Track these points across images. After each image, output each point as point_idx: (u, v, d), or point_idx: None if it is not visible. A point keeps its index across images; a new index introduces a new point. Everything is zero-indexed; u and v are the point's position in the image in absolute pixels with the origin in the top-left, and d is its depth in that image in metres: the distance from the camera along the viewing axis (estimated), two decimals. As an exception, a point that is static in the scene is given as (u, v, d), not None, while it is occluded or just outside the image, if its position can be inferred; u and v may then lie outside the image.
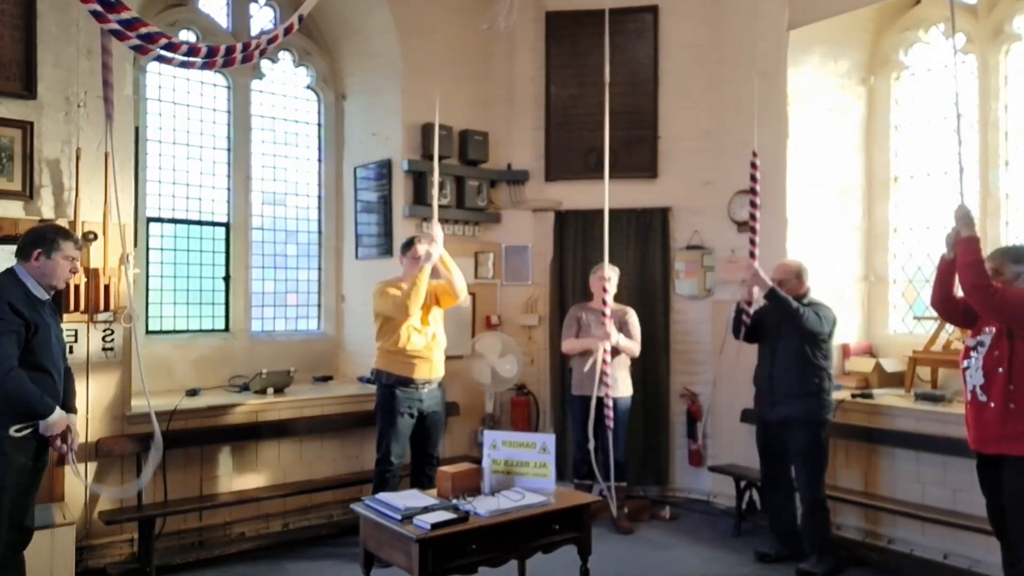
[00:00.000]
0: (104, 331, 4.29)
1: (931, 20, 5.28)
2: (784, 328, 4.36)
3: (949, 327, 4.56)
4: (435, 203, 4.60)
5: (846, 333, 5.35)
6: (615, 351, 4.98)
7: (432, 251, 4.37)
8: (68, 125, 4.21)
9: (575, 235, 6.01)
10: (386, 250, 5.69)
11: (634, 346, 5.15)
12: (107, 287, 4.22)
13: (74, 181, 4.18)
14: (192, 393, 4.96)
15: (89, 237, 4.15)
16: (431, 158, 4.89)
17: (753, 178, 4.63)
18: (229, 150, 5.71)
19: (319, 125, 6.19)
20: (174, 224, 5.47)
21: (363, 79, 6.04)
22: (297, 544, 4.82)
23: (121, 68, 4.23)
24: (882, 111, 5.56)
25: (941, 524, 4.22)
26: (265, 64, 5.87)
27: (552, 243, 6.07)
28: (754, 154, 4.63)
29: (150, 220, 5.32)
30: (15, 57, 4.05)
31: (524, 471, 3.68)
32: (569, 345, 5.19)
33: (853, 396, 4.80)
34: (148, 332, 5.28)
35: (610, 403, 4.87)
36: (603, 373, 4.83)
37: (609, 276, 5.02)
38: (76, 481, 3.93)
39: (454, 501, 3.37)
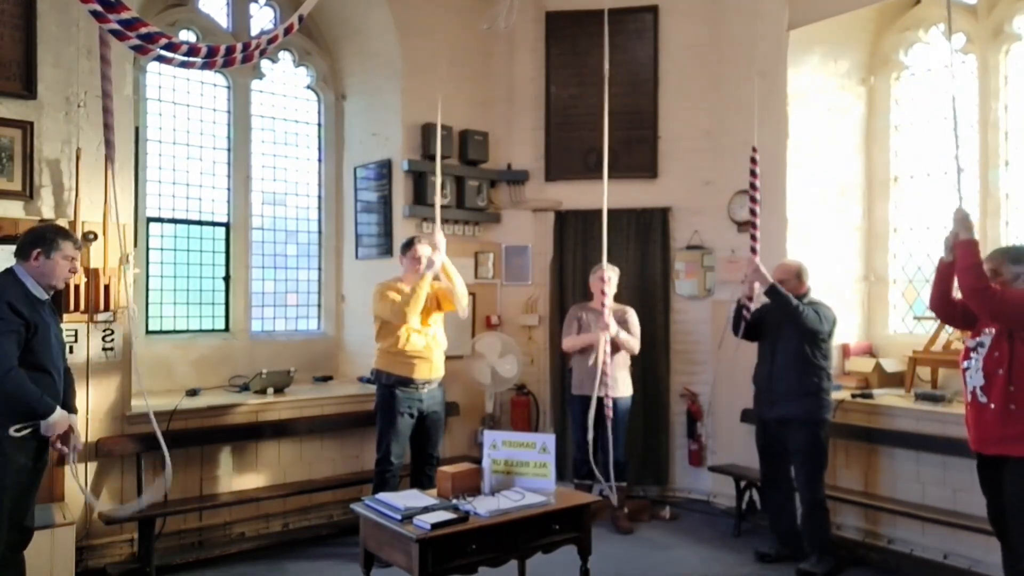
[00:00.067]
0: (104, 331, 4.29)
1: (931, 20, 5.28)
2: (784, 327, 4.36)
3: (949, 327, 4.56)
4: (437, 207, 4.44)
5: (846, 333, 5.35)
6: (615, 348, 4.98)
7: (435, 258, 4.33)
8: (68, 125, 4.21)
9: (575, 235, 6.01)
10: (386, 250, 5.69)
11: (634, 342, 5.15)
12: (107, 287, 4.22)
13: (74, 181, 4.18)
14: (192, 393, 4.96)
15: (89, 237, 4.15)
16: (431, 158, 4.85)
17: (753, 173, 4.61)
18: (229, 150, 5.71)
19: (319, 125, 6.19)
20: (174, 224, 5.47)
21: (363, 79, 6.03)
22: (297, 544, 4.82)
23: (121, 68, 4.22)
24: (882, 111, 5.56)
25: (941, 524, 4.22)
26: (265, 64, 5.87)
27: (552, 243, 6.07)
28: (754, 149, 4.62)
29: (150, 220, 5.32)
30: (15, 57, 4.05)
31: (524, 471, 3.68)
32: (570, 342, 5.19)
33: (853, 396, 4.80)
34: (148, 332, 5.28)
35: (610, 403, 4.86)
36: (603, 373, 4.82)
37: (609, 276, 5.01)
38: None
39: (454, 501, 3.37)
